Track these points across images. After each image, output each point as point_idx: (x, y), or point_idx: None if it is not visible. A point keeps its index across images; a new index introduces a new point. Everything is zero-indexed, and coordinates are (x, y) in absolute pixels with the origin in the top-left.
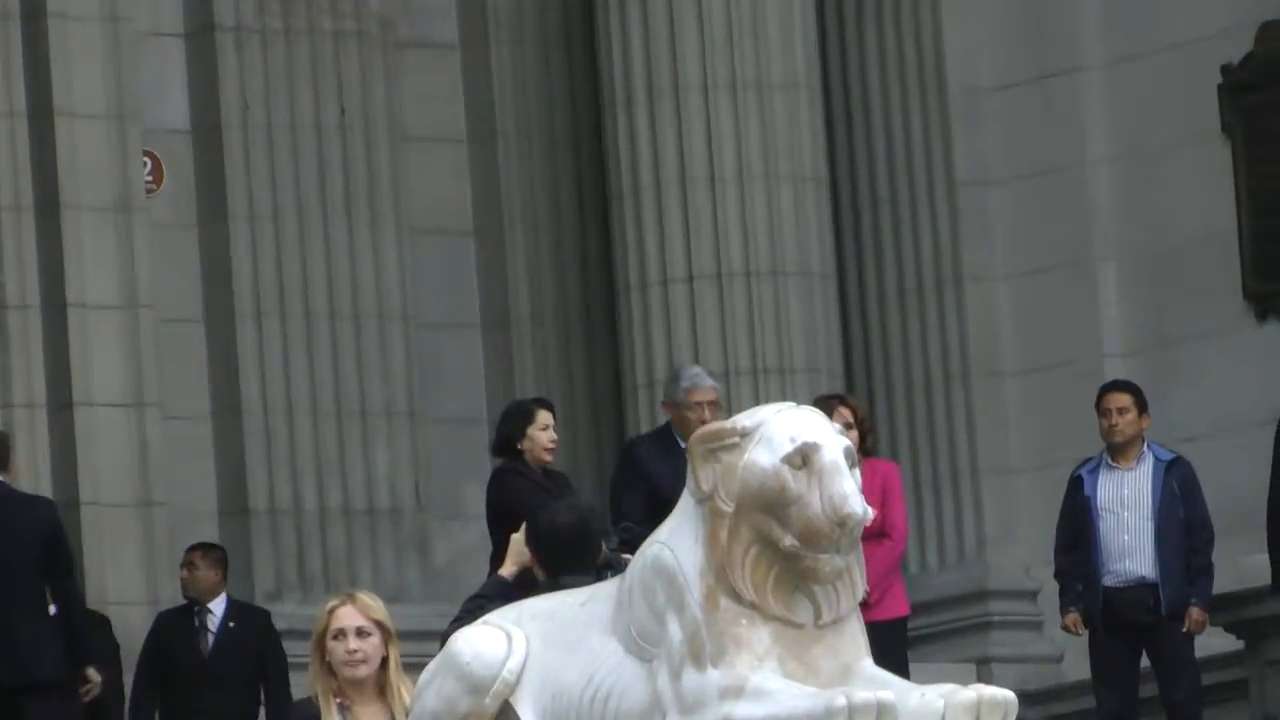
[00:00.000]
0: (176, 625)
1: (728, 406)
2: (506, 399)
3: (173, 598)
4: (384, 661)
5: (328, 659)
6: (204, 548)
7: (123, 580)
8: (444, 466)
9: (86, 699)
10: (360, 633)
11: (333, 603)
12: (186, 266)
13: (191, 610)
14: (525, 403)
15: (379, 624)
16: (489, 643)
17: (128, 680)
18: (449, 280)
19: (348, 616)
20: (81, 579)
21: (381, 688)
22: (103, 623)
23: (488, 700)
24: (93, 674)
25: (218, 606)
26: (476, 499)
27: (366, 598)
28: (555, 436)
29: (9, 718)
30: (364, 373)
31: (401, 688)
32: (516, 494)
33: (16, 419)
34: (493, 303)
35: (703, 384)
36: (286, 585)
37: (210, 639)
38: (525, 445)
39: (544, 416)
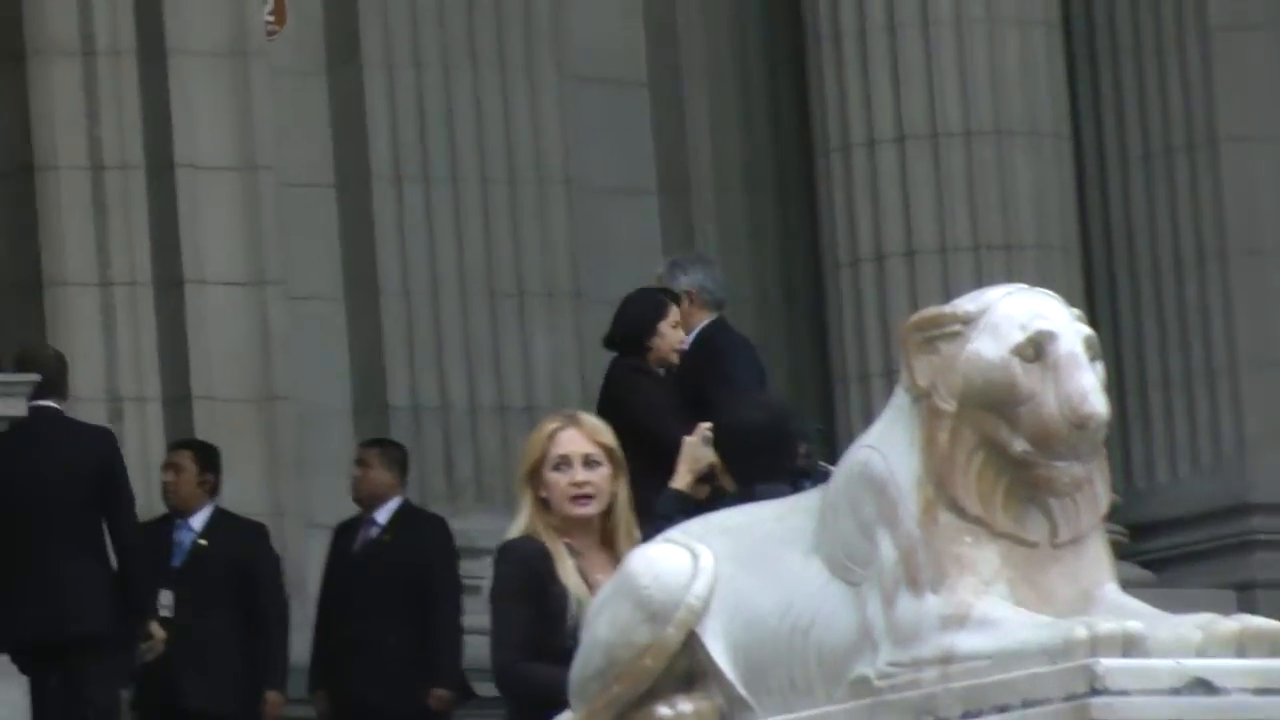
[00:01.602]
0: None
1: (943, 288)
2: None
3: (299, 507)
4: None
5: (543, 495)
6: (381, 444)
7: (240, 488)
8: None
9: (148, 658)
10: (589, 462)
11: (551, 425)
12: (313, 121)
13: (358, 518)
14: (656, 293)
15: (609, 452)
16: (671, 563)
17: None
18: (618, 138)
19: (573, 442)
20: None
21: (606, 534)
22: (261, 532)
23: (670, 630)
24: (155, 629)
25: (384, 513)
26: None
27: (593, 419)
28: (684, 336)
29: (56, 678)
30: (520, 246)
31: (635, 532)
32: (650, 403)
33: (116, 300)
34: (670, 164)
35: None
36: (431, 494)
37: (366, 550)
38: (654, 343)
39: (675, 312)
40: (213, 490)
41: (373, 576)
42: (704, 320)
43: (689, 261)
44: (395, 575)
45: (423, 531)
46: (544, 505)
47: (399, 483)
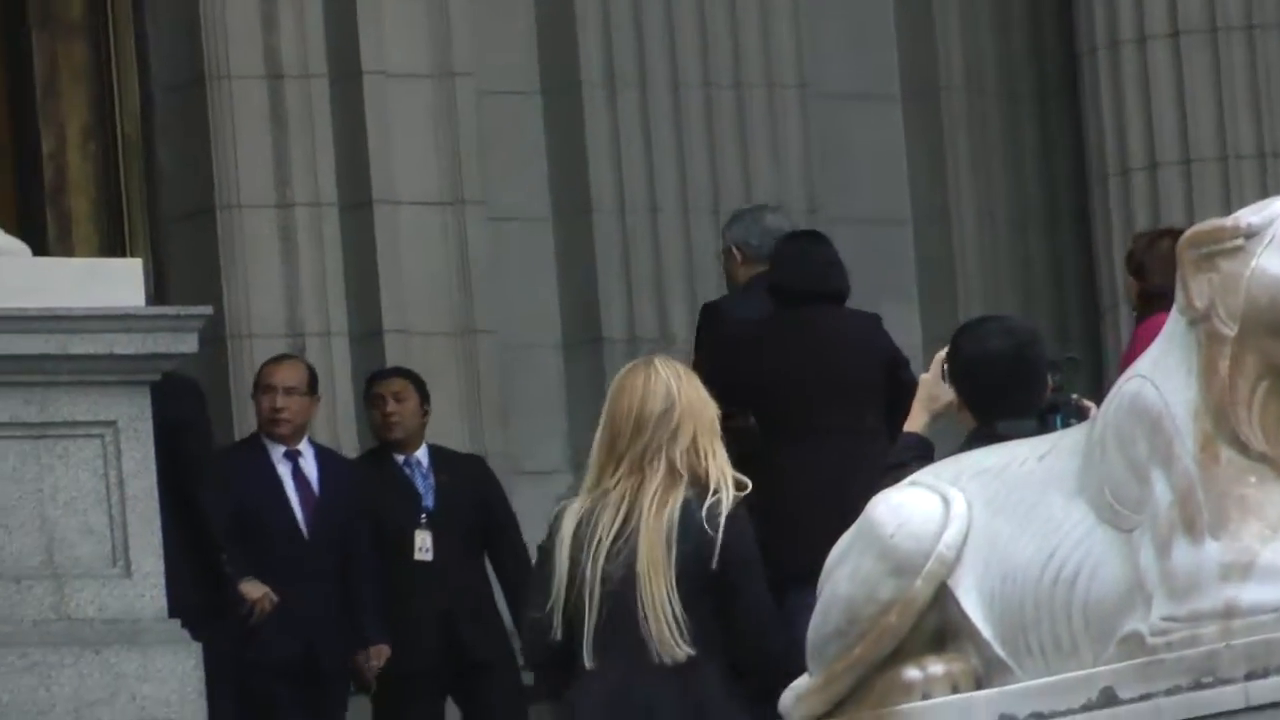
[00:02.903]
0: None
1: (1224, 199)
2: (935, 190)
3: (502, 451)
4: None
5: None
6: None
7: (437, 430)
8: (856, 280)
9: (252, 622)
10: None
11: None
12: (515, 20)
13: None
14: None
15: None
16: (920, 509)
17: None
18: (857, 37)
19: None
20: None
21: None
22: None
23: (918, 583)
24: (249, 589)
25: None
26: (897, 324)
27: None
28: None
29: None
30: (748, 158)
31: None
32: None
33: (298, 222)
34: (916, 65)
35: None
36: None
37: None
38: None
39: None
40: (425, 424)
41: None
42: (753, 273)
43: (739, 214)
44: None
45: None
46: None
47: None
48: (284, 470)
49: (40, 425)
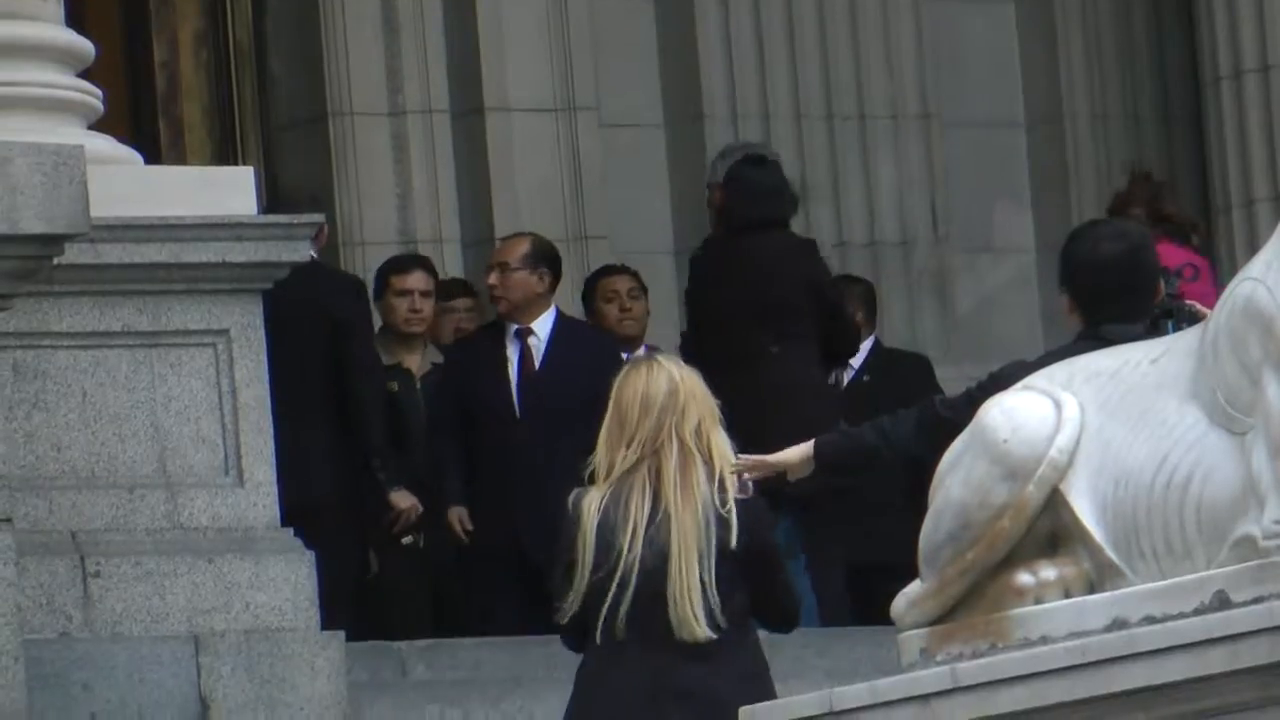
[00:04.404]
0: None
1: None
2: (1049, 91)
3: None
4: None
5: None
6: (847, 281)
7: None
8: (969, 183)
9: (395, 531)
10: None
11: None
12: None
13: None
14: None
15: None
16: (1032, 413)
17: None
18: None
19: None
20: None
21: None
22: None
23: (1031, 487)
24: (399, 498)
25: (858, 358)
26: (1010, 227)
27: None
28: None
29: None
30: (861, 61)
31: None
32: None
33: (410, 128)
34: None
35: None
36: None
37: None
38: None
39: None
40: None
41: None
42: None
43: (723, 152)
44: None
45: (907, 371)
46: None
47: (870, 322)
48: (512, 351)
49: (153, 334)
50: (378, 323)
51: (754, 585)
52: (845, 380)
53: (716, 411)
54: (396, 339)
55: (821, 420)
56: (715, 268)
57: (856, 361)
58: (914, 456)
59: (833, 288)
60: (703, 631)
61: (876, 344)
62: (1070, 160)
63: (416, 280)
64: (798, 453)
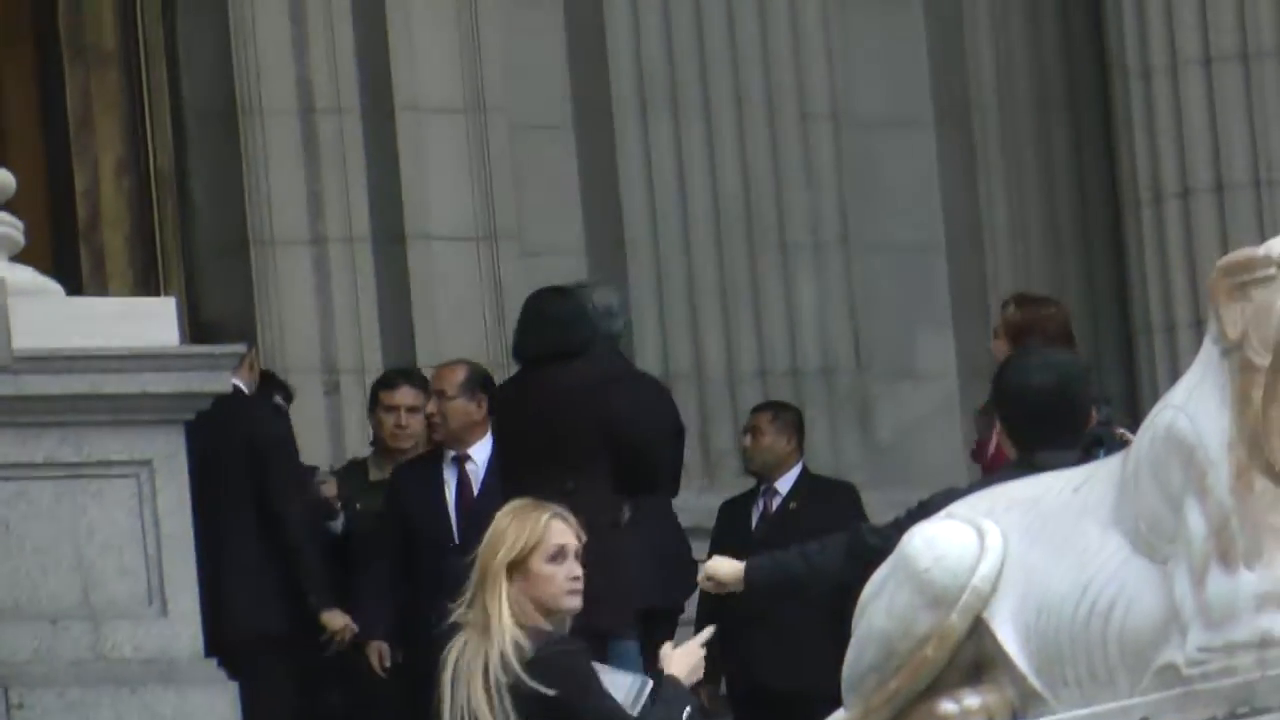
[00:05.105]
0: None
1: (1258, 226)
2: (969, 214)
3: None
4: None
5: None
6: (775, 408)
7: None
8: (888, 309)
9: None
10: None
11: (544, 515)
12: (546, 47)
13: (756, 490)
14: None
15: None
16: (954, 542)
17: None
18: (889, 62)
19: (564, 534)
20: None
21: None
22: None
23: (954, 616)
24: (331, 618)
25: (784, 484)
26: (932, 352)
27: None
28: None
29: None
30: (782, 185)
31: None
32: None
33: (332, 257)
34: (948, 89)
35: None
36: (686, 468)
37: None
38: None
39: None
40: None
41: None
42: None
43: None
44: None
45: (833, 498)
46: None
47: (797, 449)
48: (449, 477)
49: (75, 465)
50: (367, 435)
51: None
52: (773, 507)
53: (501, 563)
54: (386, 454)
55: (614, 562)
56: (506, 404)
57: (784, 488)
58: (842, 584)
59: (632, 425)
60: None
61: (803, 471)
62: (990, 283)
63: (403, 396)
64: (729, 569)
